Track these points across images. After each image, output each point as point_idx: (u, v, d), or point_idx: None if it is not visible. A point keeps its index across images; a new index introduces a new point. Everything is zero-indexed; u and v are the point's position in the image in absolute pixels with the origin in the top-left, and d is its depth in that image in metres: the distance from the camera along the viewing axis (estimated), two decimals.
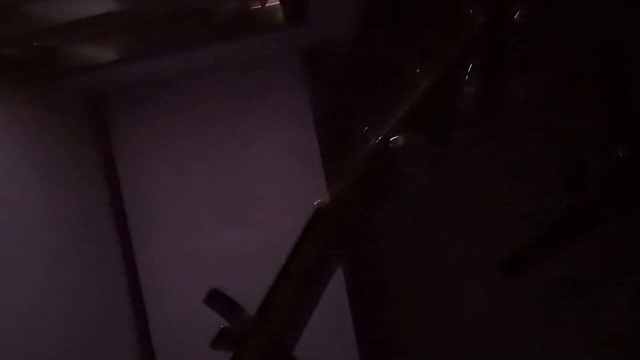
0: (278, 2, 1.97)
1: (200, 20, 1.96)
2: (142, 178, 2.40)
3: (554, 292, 2.06)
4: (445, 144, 0.78)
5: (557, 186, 1.92)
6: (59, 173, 2.09)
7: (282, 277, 0.85)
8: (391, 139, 0.80)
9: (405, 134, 0.79)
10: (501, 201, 2.08)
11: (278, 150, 2.36)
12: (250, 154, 2.37)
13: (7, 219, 1.75)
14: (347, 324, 2.29)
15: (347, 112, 2.16)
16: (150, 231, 2.39)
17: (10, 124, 1.88)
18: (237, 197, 2.36)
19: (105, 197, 2.36)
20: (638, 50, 1.76)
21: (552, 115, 2.01)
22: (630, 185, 1.61)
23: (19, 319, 1.69)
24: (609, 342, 2.02)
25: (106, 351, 2.12)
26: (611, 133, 1.77)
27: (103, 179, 2.37)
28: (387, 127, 0.81)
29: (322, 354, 2.09)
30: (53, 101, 2.16)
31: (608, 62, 1.79)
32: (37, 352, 1.73)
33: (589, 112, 1.90)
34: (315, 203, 0.85)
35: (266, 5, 1.98)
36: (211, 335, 0.88)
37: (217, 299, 0.87)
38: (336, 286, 2.23)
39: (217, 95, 2.37)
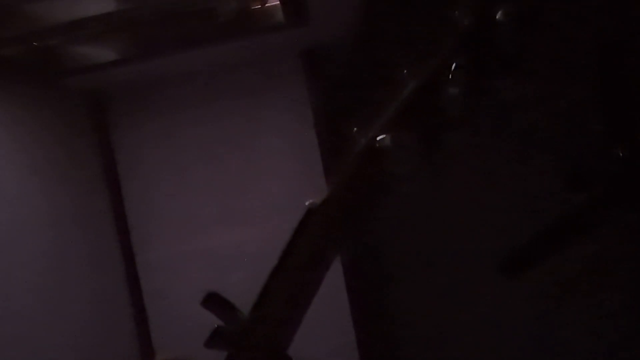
0: (278, 2, 1.97)
1: (200, 20, 1.96)
2: (142, 178, 2.39)
3: (554, 292, 2.06)
4: (434, 144, 0.79)
5: (557, 186, 1.91)
6: (59, 173, 2.09)
7: (275, 277, 0.86)
8: (378, 138, 0.80)
9: (393, 133, 0.79)
10: (500, 201, 2.08)
11: (278, 150, 2.36)
12: (250, 153, 2.36)
13: (7, 219, 1.75)
14: (347, 324, 2.29)
15: (347, 112, 2.16)
16: (150, 231, 2.39)
17: (10, 124, 1.88)
18: (237, 197, 2.36)
19: (105, 197, 2.36)
20: (638, 50, 1.76)
21: (551, 114, 2.01)
22: (630, 185, 1.61)
23: (19, 319, 1.69)
24: (610, 340, 2.02)
25: (106, 351, 2.12)
26: (611, 133, 1.76)
27: (103, 179, 2.37)
28: (376, 127, 0.81)
29: (322, 354, 2.09)
30: (53, 101, 2.16)
31: (608, 61, 1.79)
32: (37, 352, 1.73)
33: (589, 111, 1.90)
34: (306, 203, 0.85)
35: (266, 5, 1.98)
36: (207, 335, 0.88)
37: (214, 302, 0.87)
38: (336, 286, 2.24)
39: (217, 95, 2.37)
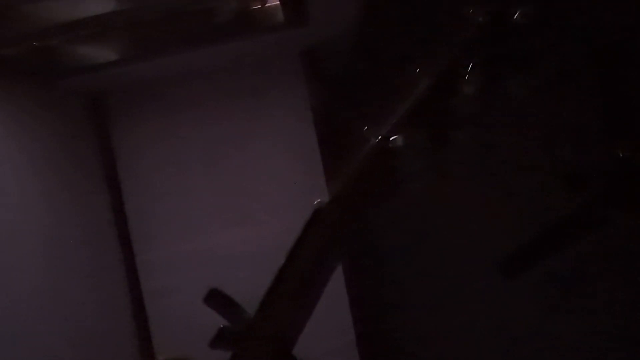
0: (278, 2, 1.97)
1: (200, 20, 1.96)
2: (142, 178, 2.40)
3: (553, 292, 2.06)
4: (445, 143, 0.78)
5: (557, 186, 1.91)
6: (59, 173, 2.09)
7: (282, 277, 0.85)
8: (391, 138, 0.79)
9: (405, 133, 0.78)
10: (501, 200, 2.08)
11: (278, 150, 2.36)
12: (250, 154, 2.37)
13: (7, 219, 1.75)
14: (347, 324, 2.29)
15: (347, 112, 2.16)
16: (150, 231, 2.39)
17: (10, 124, 1.88)
18: (237, 197, 2.36)
19: (105, 197, 2.36)
20: (638, 50, 1.76)
21: (552, 114, 2.01)
22: (630, 185, 1.61)
23: (18, 319, 1.69)
24: (610, 341, 2.02)
25: (106, 351, 2.12)
26: (611, 133, 1.77)
27: (103, 179, 2.37)
28: (387, 127, 0.80)
29: (322, 354, 2.09)
30: (53, 101, 2.16)
31: (608, 61, 1.80)
32: (37, 352, 1.73)
33: (589, 111, 1.90)
34: (315, 202, 0.84)
35: (266, 5, 1.98)
36: (212, 335, 0.88)
37: (216, 298, 0.87)
38: (336, 286, 2.24)
39: (217, 95, 2.37)
